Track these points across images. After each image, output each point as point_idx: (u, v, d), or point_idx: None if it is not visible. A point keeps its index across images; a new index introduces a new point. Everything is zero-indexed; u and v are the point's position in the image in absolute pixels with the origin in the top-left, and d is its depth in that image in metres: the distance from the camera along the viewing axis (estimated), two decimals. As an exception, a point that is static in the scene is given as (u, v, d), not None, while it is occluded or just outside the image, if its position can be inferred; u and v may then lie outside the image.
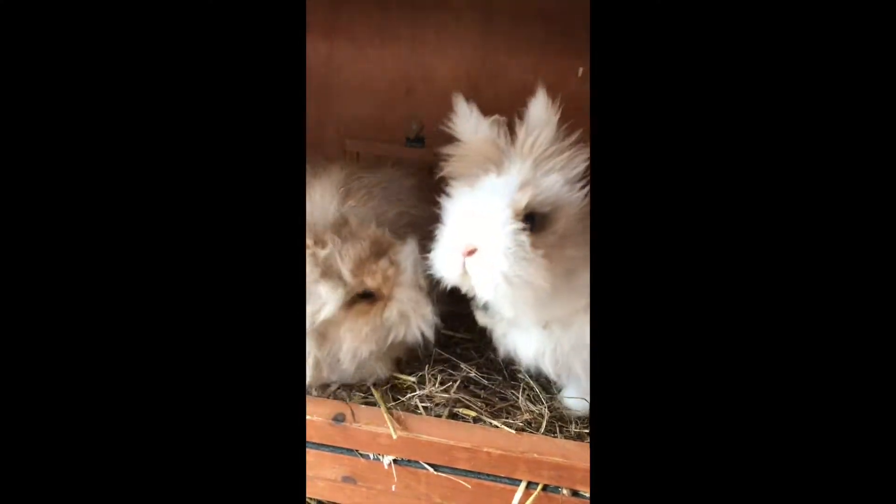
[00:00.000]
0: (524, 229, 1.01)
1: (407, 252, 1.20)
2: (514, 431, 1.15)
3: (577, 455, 1.11)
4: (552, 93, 1.60)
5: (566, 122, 1.51)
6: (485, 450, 1.10)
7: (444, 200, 1.13)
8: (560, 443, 1.14)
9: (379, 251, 1.20)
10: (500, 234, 1.00)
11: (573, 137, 1.12)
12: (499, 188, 1.06)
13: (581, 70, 1.61)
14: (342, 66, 1.73)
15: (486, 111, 1.68)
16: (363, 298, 1.18)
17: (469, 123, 1.16)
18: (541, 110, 1.13)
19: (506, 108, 1.66)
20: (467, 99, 1.19)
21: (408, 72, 1.72)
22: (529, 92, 1.63)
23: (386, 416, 1.14)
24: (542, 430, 1.17)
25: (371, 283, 1.17)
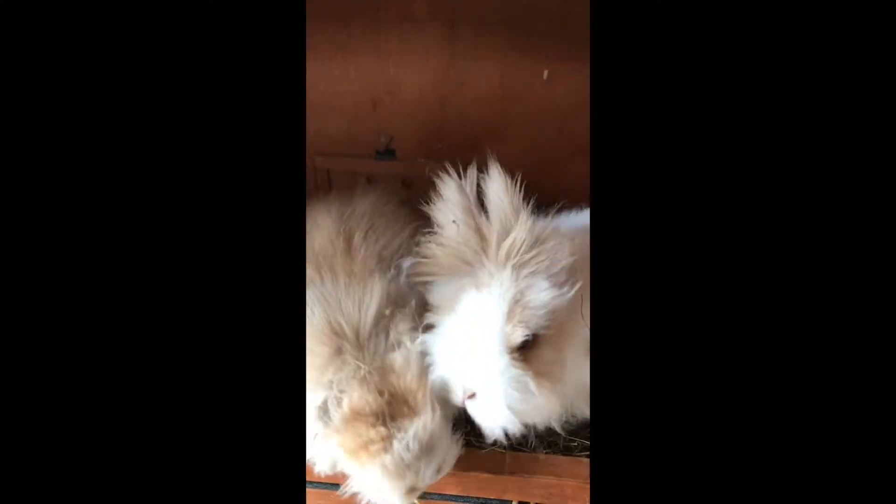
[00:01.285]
0: (522, 359, 0.96)
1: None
2: (503, 451, 1.15)
3: (566, 471, 1.11)
4: (519, 99, 1.61)
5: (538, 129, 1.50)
6: (473, 473, 1.10)
7: (427, 328, 1.06)
8: (549, 459, 1.14)
9: (393, 410, 1.00)
10: (500, 382, 0.95)
11: (550, 223, 1.04)
12: (486, 315, 0.96)
13: (546, 73, 1.60)
14: (307, 84, 1.71)
15: (453, 120, 1.69)
16: None
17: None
18: (501, 193, 1.03)
19: (473, 117, 1.67)
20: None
21: (373, 85, 1.70)
22: (496, 99, 1.64)
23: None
24: (530, 446, 1.17)
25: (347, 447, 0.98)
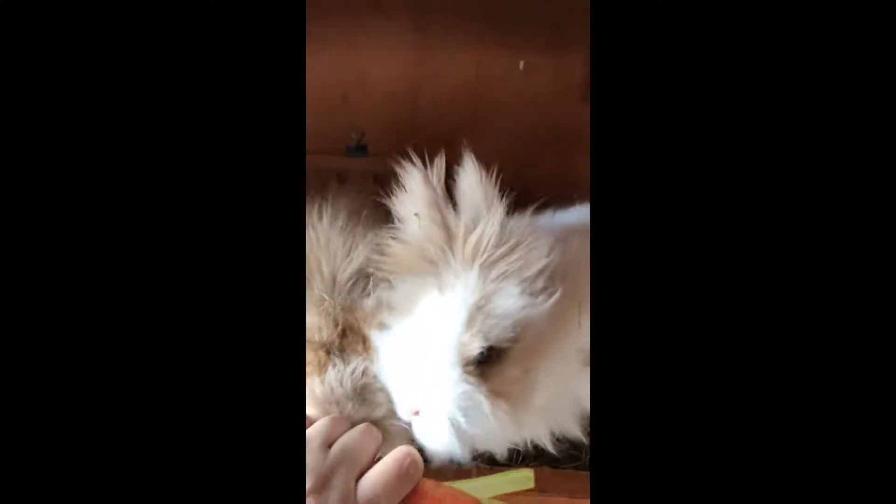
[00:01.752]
0: (478, 374, 0.84)
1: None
2: (488, 467, 1.08)
3: (552, 485, 1.05)
4: (495, 90, 1.56)
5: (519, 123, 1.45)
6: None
7: (378, 330, 0.94)
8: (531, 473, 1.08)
9: (346, 344, 0.96)
10: (447, 399, 0.84)
11: (526, 218, 0.93)
12: (443, 322, 0.84)
13: (522, 63, 1.54)
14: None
15: (425, 113, 1.63)
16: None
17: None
18: (473, 186, 0.91)
19: (447, 108, 1.61)
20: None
21: (342, 78, 1.63)
22: (470, 91, 1.59)
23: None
24: (516, 461, 1.11)
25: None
